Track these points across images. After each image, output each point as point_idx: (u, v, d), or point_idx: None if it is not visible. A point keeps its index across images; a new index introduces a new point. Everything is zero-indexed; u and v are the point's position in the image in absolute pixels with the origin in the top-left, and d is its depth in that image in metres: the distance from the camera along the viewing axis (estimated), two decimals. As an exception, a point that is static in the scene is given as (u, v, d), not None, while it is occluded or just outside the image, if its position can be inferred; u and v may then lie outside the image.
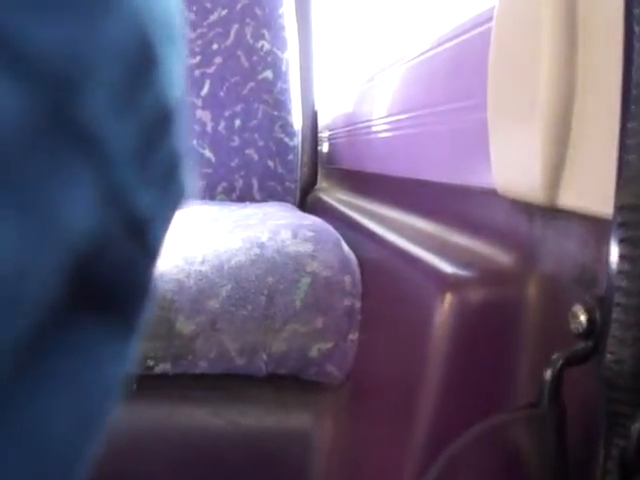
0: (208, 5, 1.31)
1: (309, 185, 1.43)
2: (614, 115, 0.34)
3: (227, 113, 1.30)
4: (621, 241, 0.32)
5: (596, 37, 0.37)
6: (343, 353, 0.69)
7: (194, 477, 0.70)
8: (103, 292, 0.18)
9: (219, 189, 1.29)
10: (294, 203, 1.30)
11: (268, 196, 1.30)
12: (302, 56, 1.39)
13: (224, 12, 1.32)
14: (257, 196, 1.30)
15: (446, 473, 0.39)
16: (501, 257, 0.49)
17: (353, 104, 1.09)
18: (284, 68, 1.32)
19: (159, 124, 0.18)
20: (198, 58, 1.30)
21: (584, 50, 0.38)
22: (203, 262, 0.69)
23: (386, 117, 0.85)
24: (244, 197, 1.30)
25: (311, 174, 1.44)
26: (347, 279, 0.70)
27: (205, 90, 1.31)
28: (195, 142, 1.29)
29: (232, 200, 1.29)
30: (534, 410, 0.37)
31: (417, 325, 0.53)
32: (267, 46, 1.31)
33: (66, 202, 0.15)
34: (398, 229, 0.69)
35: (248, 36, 1.31)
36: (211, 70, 1.31)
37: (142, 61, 0.17)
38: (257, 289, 0.68)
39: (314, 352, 0.68)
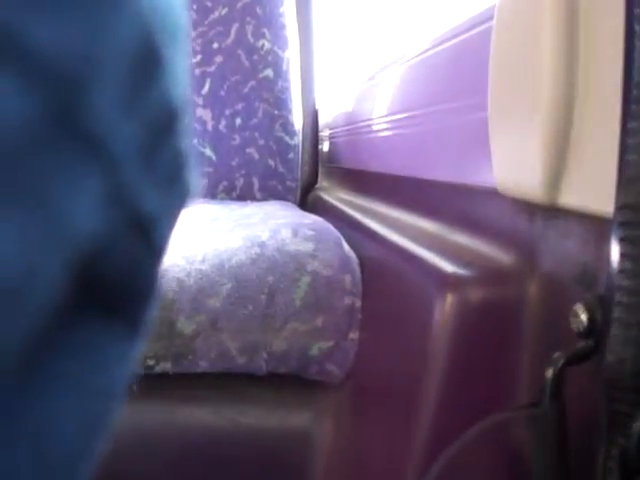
0: (209, 4, 1.31)
1: (310, 184, 1.43)
2: (615, 114, 0.34)
3: (228, 112, 1.30)
4: (622, 240, 0.32)
5: (597, 36, 0.37)
6: (343, 352, 0.69)
7: (195, 476, 0.70)
8: (108, 292, 0.18)
9: (220, 188, 1.29)
10: (295, 202, 1.30)
11: (269, 195, 1.30)
12: (303, 55, 1.39)
13: (225, 11, 1.32)
14: (258, 195, 1.30)
15: (447, 472, 0.39)
16: (502, 256, 0.49)
17: (354, 103, 1.09)
18: (285, 67, 1.32)
19: (164, 124, 0.18)
20: (199, 57, 1.30)
21: (585, 49, 0.38)
22: (203, 261, 0.69)
23: (387, 116, 0.85)
24: (245, 196, 1.30)
25: (312, 173, 1.44)
26: (347, 278, 0.70)
27: (206, 89, 1.31)
28: (196, 141, 1.29)
29: (233, 199, 1.29)
30: (535, 409, 0.37)
31: (418, 324, 0.53)
32: (268, 45, 1.31)
33: (71, 202, 0.15)
34: (398, 228, 0.69)
35: (249, 35, 1.31)
36: (212, 69, 1.31)
37: (147, 61, 0.17)
38: (257, 288, 0.68)
39: (314, 351, 0.68)
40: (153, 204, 0.18)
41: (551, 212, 0.42)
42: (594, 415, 0.35)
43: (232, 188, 1.30)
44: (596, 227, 0.37)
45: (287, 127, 1.31)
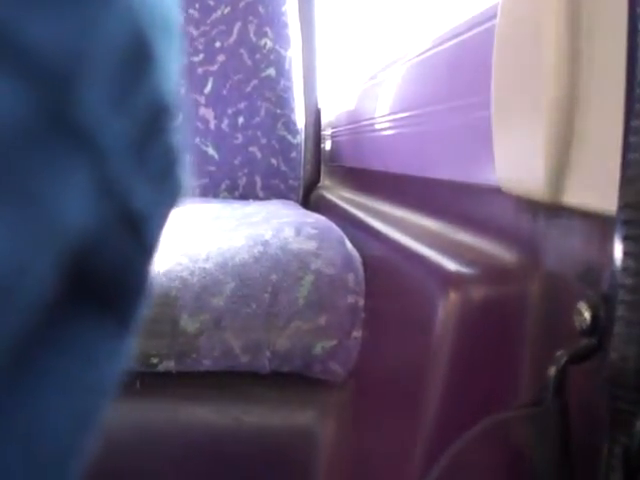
0: (211, 3, 1.31)
1: (312, 183, 1.43)
2: (618, 113, 0.34)
3: (230, 111, 1.30)
4: (625, 238, 0.32)
5: (600, 35, 0.37)
6: (347, 351, 0.69)
7: (198, 474, 0.70)
8: (99, 289, 0.18)
9: (222, 187, 1.29)
10: (297, 201, 1.30)
11: (271, 194, 1.30)
12: (305, 54, 1.39)
13: (227, 10, 1.32)
14: (260, 194, 1.30)
15: (450, 470, 0.39)
16: (505, 254, 0.49)
17: (356, 102, 1.09)
18: (287, 66, 1.32)
19: (155, 119, 0.18)
20: (201, 56, 1.30)
21: (588, 48, 0.38)
22: (207, 260, 0.70)
23: (389, 115, 0.85)
24: (247, 195, 1.30)
25: (314, 172, 1.44)
26: (350, 277, 0.70)
27: (208, 88, 1.31)
28: (198, 140, 1.29)
29: (235, 198, 1.29)
30: (538, 407, 0.37)
31: (421, 323, 0.53)
32: (270, 44, 1.31)
33: (62, 197, 0.15)
34: (401, 227, 0.69)
35: (251, 34, 1.31)
36: (214, 68, 1.31)
37: (138, 56, 0.17)
38: (261, 287, 0.68)
39: (318, 350, 0.68)
40: (144, 200, 0.18)
41: (554, 210, 0.42)
42: (597, 413, 0.35)
43: (235, 187, 1.30)
44: (599, 225, 0.37)
45: (289, 126, 1.31)
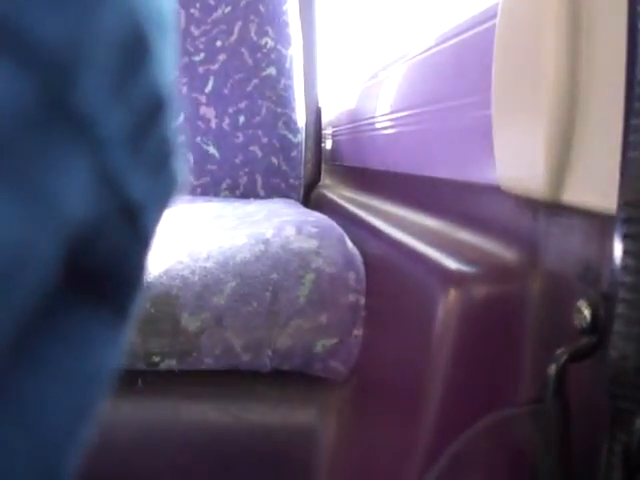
0: (212, 2, 1.31)
1: (313, 182, 1.43)
2: (618, 111, 0.34)
3: (231, 110, 1.30)
4: (625, 237, 0.32)
5: (600, 34, 0.37)
6: (347, 349, 0.69)
7: (199, 473, 0.71)
8: (96, 279, 0.19)
9: (223, 186, 1.29)
10: (298, 200, 1.30)
11: (272, 193, 1.30)
12: (306, 53, 1.39)
13: (228, 9, 1.32)
14: (261, 193, 1.30)
15: (451, 467, 0.39)
16: (505, 253, 0.49)
17: (357, 101, 1.09)
18: (288, 65, 1.32)
19: (152, 111, 0.18)
20: (202, 55, 1.30)
21: (588, 47, 0.38)
22: (208, 258, 0.70)
23: (390, 114, 0.85)
24: (248, 194, 1.30)
25: (315, 171, 1.44)
26: (351, 275, 0.70)
27: (209, 87, 1.31)
28: (199, 139, 1.29)
29: (236, 197, 1.29)
30: (538, 405, 0.38)
31: (421, 321, 0.53)
32: (271, 43, 1.31)
33: (61, 185, 0.15)
34: (402, 225, 0.69)
35: (252, 33, 1.31)
36: (215, 67, 1.31)
37: (135, 49, 0.17)
38: (262, 285, 0.68)
39: (319, 348, 0.69)
40: (141, 190, 0.18)
41: (554, 209, 0.43)
42: (597, 411, 0.35)
43: (235, 186, 1.30)
44: (599, 224, 0.37)
45: (290, 125, 1.31)
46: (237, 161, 1.30)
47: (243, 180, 1.30)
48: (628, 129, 0.32)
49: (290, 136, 1.31)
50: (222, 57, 1.31)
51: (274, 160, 1.30)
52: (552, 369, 0.37)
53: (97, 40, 0.15)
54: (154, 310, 0.66)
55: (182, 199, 0.99)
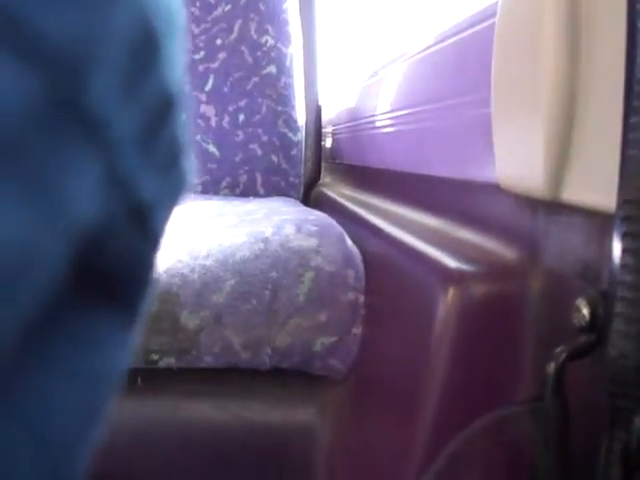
0: (212, 1, 1.31)
1: (313, 180, 1.43)
2: (617, 110, 0.34)
3: (231, 108, 1.30)
4: (624, 235, 0.32)
5: (599, 32, 0.37)
6: (347, 347, 0.69)
7: (198, 471, 0.71)
8: (105, 279, 0.18)
9: (223, 184, 1.29)
10: (298, 198, 1.30)
11: (272, 191, 1.30)
12: (306, 51, 1.39)
13: (228, 7, 1.32)
14: (261, 191, 1.30)
15: (450, 466, 0.39)
16: (504, 251, 0.49)
17: (357, 99, 1.09)
18: (288, 63, 1.32)
19: (162, 110, 0.18)
20: (202, 53, 1.30)
21: (587, 45, 0.38)
22: (207, 256, 0.70)
23: (390, 112, 0.85)
24: (248, 192, 1.30)
25: (315, 169, 1.44)
26: (351, 273, 0.70)
27: (209, 85, 1.31)
28: (199, 137, 1.29)
29: (236, 195, 1.29)
30: (537, 404, 0.38)
31: (421, 319, 0.53)
32: (271, 41, 1.31)
33: (71, 185, 0.15)
34: (401, 224, 0.69)
35: (252, 31, 1.31)
36: (215, 65, 1.31)
37: (146, 48, 0.17)
38: (261, 283, 0.68)
39: (318, 346, 0.69)
40: (151, 191, 0.18)
41: (553, 207, 0.43)
42: (596, 410, 0.35)
43: (235, 184, 1.30)
44: (598, 222, 0.37)
45: (290, 123, 1.31)
46: (237, 159, 1.30)
47: (243, 178, 1.30)
48: (627, 127, 0.32)
49: (290, 134, 1.31)
50: (222, 55, 1.31)
51: (274, 158, 1.30)
52: (551, 367, 0.37)
53: (108, 37, 0.15)
54: (153, 308, 0.66)
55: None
